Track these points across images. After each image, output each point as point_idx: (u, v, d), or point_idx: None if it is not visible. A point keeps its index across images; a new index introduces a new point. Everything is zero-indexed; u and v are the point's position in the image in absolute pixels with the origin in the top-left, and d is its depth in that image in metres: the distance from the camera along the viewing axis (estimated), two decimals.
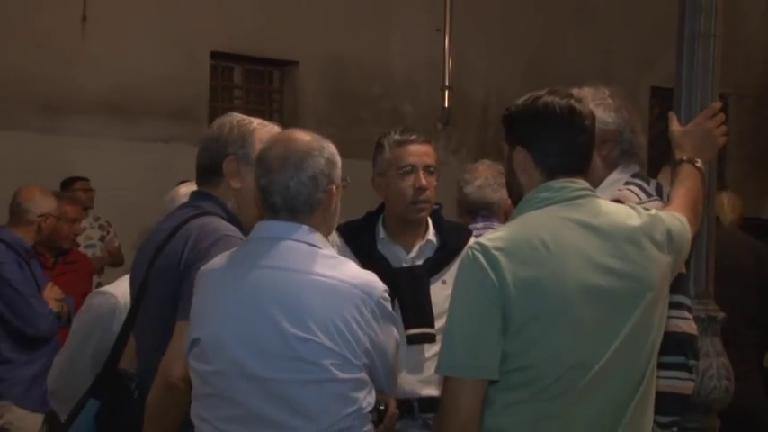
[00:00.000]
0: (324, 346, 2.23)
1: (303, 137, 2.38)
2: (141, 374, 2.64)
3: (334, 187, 2.38)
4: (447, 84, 8.56)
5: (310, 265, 2.29)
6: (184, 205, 2.77)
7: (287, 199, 2.32)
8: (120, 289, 3.28)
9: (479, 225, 3.68)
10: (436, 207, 3.22)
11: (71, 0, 7.85)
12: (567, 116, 2.21)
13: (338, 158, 2.40)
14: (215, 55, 8.73)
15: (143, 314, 2.65)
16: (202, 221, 2.60)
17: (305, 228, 2.33)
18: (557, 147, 2.22)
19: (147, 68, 8.13)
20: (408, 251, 3.16)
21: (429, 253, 3.16)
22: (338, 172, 2.39)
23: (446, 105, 8.64)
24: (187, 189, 3.33)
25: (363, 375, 2.30)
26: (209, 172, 2.70)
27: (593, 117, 2.27)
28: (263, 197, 2.36)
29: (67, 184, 7.14)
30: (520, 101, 2.28)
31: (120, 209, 7.16)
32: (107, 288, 3.39)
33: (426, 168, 3.12)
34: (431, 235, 3.19)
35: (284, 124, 2.89)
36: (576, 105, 2.23)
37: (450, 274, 2.98)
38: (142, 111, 8.21)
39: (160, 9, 8.22)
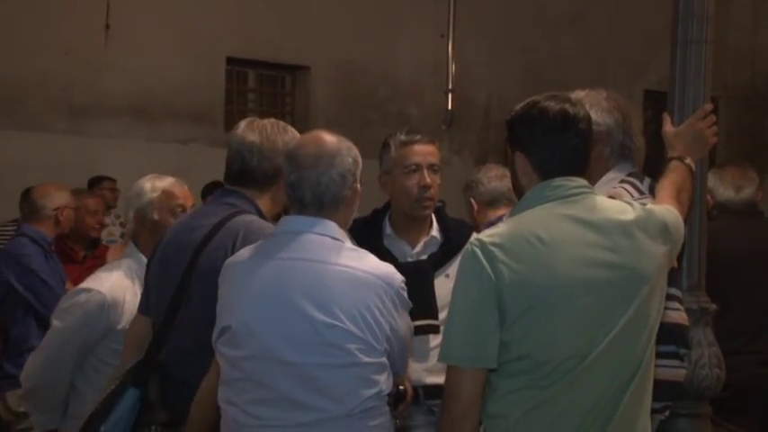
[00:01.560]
0: (349, 332, 2.25)
1: (331, 137, 2.40)
2: (172, 365, 2.62)
3: (358, 185, 2.40)
4: (450, 87, 8.55)
5: (335, 256, 2.31)
6: (215, 202, 2.74)
7: (317, 194, 2.33)
8: (106, 285, 3.17)
9: (493, 219, 3.65)
10: (440, 204, 3.21)
11: (95, 10, 7.87)
12: (559, 121, 2.18)
13: (360, 159, 2.42)
14: (230, 60, 8.73)
15: (183, 309, 2.62)
16: (245, 219, 2.60)
17: (327, 222, 2.35)
18: (552, 150, 2.20)
19: (167, 74, 8.15)
20: (413, 246, 3.14)
21: (433, 248, 3.14)
22: (359, 172, 2.41)
23: (449, 108, 8.63)
24: (152, 184, 3.26)
25: (384, 360, 2.32)
26: (256, 176, 2.69)
27: (588, 120, 2.24)
28: (291, 192, 2.37)
29: (95, 182, 7.13)
30: (519, 106, 2.26)
31: None
32: (90, 285, 3.24)
33: (431, 167, 3.10)
34: (435, 231, 3.17)
35: (296, 126, 2.88)
36: (570, 109, 2.20)
37: (454, 268, 2.92)
38: (162, 114, 8.23)
39: (179, 18, 8.23)
